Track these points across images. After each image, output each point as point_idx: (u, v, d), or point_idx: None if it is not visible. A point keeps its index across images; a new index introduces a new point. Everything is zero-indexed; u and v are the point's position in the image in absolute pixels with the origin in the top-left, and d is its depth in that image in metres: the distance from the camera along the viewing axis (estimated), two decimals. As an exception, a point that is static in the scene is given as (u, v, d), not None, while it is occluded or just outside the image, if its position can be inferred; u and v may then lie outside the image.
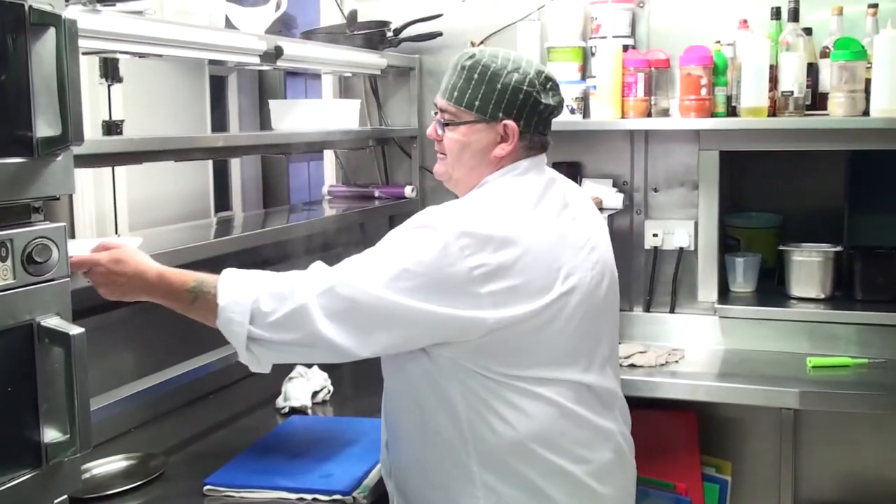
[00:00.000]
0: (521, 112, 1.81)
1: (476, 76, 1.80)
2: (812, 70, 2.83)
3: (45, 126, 1.22)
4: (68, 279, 1.29)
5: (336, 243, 3.50)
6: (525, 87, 1.80)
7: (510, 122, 1.81)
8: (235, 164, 3.65)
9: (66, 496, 1.32)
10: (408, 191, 3.35)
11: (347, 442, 2.20)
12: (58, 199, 1.29)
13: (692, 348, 3.02)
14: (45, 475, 1.26)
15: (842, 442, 3.03)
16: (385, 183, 3.52)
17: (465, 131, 1.84)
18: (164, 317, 2.46)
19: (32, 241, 1.22)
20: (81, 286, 1.43)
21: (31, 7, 1.19)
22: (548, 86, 1.83)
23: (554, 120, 1.90)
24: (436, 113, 1.90)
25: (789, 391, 2.60)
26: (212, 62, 2.69)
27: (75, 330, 1.24)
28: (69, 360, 1.24)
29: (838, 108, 2.70)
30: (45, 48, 1.21)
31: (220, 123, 3.54)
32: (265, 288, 1.69)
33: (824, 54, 2.83)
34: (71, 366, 1.24)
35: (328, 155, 3.61)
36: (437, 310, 1.67)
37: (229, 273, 1.73)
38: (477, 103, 1.80)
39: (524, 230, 1.74)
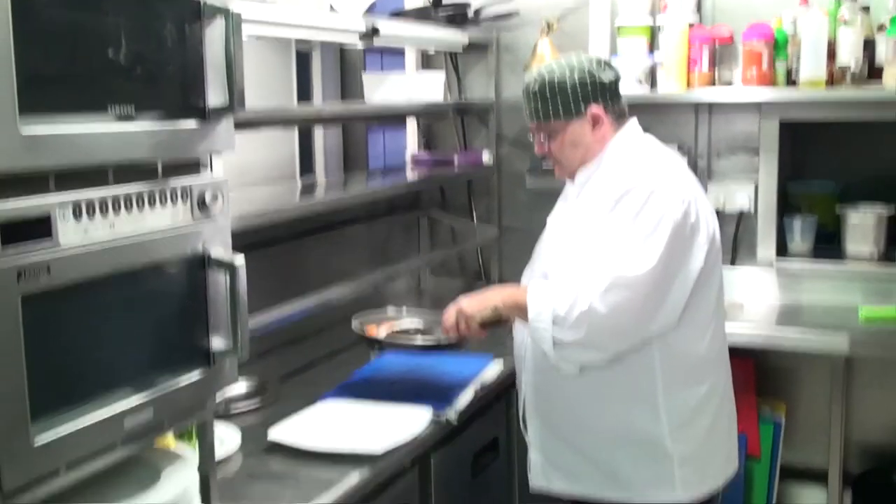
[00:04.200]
0: (595, 96, 2.14)
1: (548, 92, 2.14)
2: (868, 45, 3.01)
3: (215, 97, 1.53)
4: (230, 220, 1.60)
5: (419, 205, 3.80)
6: (588, 79, 2.13)
7: (593, 108, 2.14)
8: (319, 132, 3.92)
9: (223, 389, 1.63)
10: (485, 157, 3.61)
11: (438, 372, 2.49)
12: (221, 154, 1.60)
13: (751, 301, 3.26)
14: (212, 375, 1.58)
15: (892, 388, 3.23)
16: (464, 149, 3.79)
17: (564, 135, 2.17)
18: (271, 263, 2.79)
19: (205, 189, 1.53)
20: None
21: (205, 2, 1.50)
22: (602, 65, 2.16)
23: (624, 94, 2.19)
24: (531, 134, 2.25)
25: (841, 338, 2.82)
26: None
27: (238, 260, 1.55)
28: (234, 284, 1.55)
29: (892, 81, 2.89)
30: (215, 34, 1.51)
31: (304, 95, 3.82)
32: (558, 296, 2.01)
33: (881, 30, 3.00)
34: (235, 288, 1.54)
35: (411, 123, 3.88)
36: (696, 265, 2.03)
37: (535, 286, 2.09)
38: (561, 110, 2.14)
39: (691, 183, 2.12)
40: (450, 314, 2.19)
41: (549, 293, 2.04)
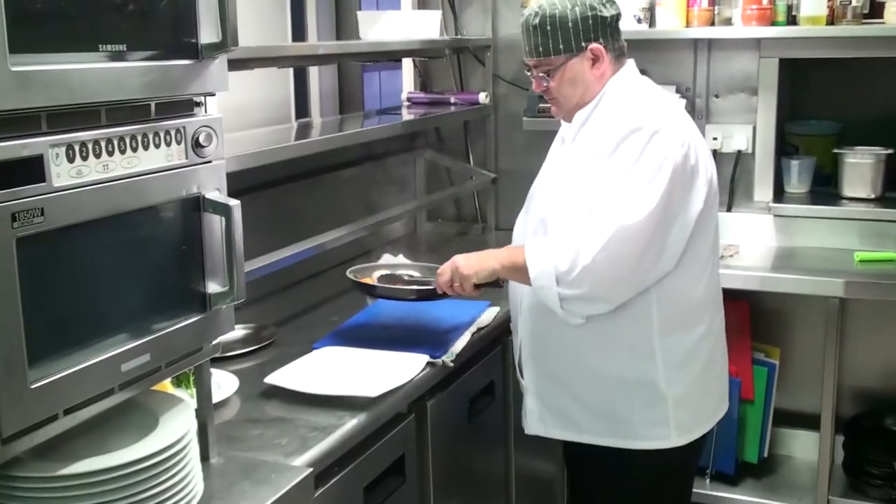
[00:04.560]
0: (596, 33, 2.09)
1: (549, 27, 2.08)
2: (870, -20, 2.97)
3: (207, 34, 1.49)
4: (224, 161, 1.57)
5: (415, 146, 3.76)
6: (589, 13, 2.08)
7: (593, 45, 2.09)
8: (314, 74, 3.87)
9: (219, 338, 1.62)
10: (482, 97, 3.57)
11: (434, 317, 2.48)
12: (214, 94, 1.56)
13: (747, 244, 3.26)
14: (208, 319, 1.56)
15: (885, 331, 3.25)
16: (460, 90, 3.74)
17: (563, 72, 2.11)
18: (266, 206, 2.77)
19: (199, 129, 1.50)
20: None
21: (196, -66, 1.45)
22: (604, 1, 2.10)
23: (623, 30, 2.15)
24: (529, 71, 2.19)
25: (836, 281, 2.84)
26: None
27: (233, 202, 1.52)
28: (229, 227, 1.52)
29: (894, 17, 2.85)
30: (206, -32, 1.48)
31: (298, 34, 3.75)
32: (559, 252, 1.98)
33: (883, -36, 2.96)
34: (231, 231, 1.52)
35: (407, 63, 3.83)
36: (695, 208, 2.01)
37: (532, 246, 2.06)
38: (561, 46, 2.09)
39: (690, 125, 2.10)
40: (445, 272, 2.17)
41: (547, 250, 2.01)
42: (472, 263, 2.14)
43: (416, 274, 2.50)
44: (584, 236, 1.96)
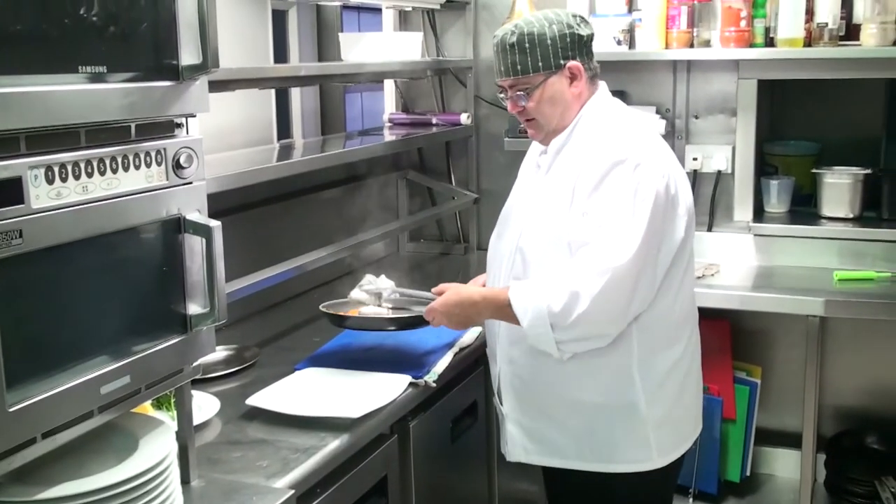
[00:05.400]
0: (573, 51, 2.08)
1: (527, 45, 2.07)
2: (846, 2, 3.01)
3: (188, 56, 1.49)
4: (205, 182, 1.57)
5: (397, 167, 3.76)
6: (567, 31, 2.07)
7: (571, 63, 2.08)
8: (296, 95, 3.87)
9: (200, 360, 1.62)
10: (463, 118, 3.58)
11: (416, 338, 2.47)
12: (195, 116, 1.56)
13: (727, 264, 3.27)
14: (189, 340, 1.56)
15: (865, 350, 3.27)
16: (442, 111, 3.76)
17: (542, 91, 2.09)
18: (248, 227, 2.77)
19: (180, 150, 1.50)
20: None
21: (177, -43, 1.46)
22: (579, 21, 2.11)
23: (603, 51, 2.16)
24: (501, 93, 2.18)
25: (815, 300, 2.85)
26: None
27: (214, 223, 1.52)
28: (210, 248, 1.52)
29: (870, 39, 2.89)
30: (187, -9, 1.48)
31: (280, 55, 3.76)
32: (550, 296, 1.95)
33: (858, -13, 3.01)
34: (211, 252, 1.52)
35: (388, 84, 3.84)
36: (678, 237, 2.03)
37: (517, 292, 2.01)
38: (540, 64, 2.07)
39: (667, 152, 2.10)
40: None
41: (537, 296, 1.97)
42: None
43: (390, 307, 2.47)
44: (579, 280, 1.94)
